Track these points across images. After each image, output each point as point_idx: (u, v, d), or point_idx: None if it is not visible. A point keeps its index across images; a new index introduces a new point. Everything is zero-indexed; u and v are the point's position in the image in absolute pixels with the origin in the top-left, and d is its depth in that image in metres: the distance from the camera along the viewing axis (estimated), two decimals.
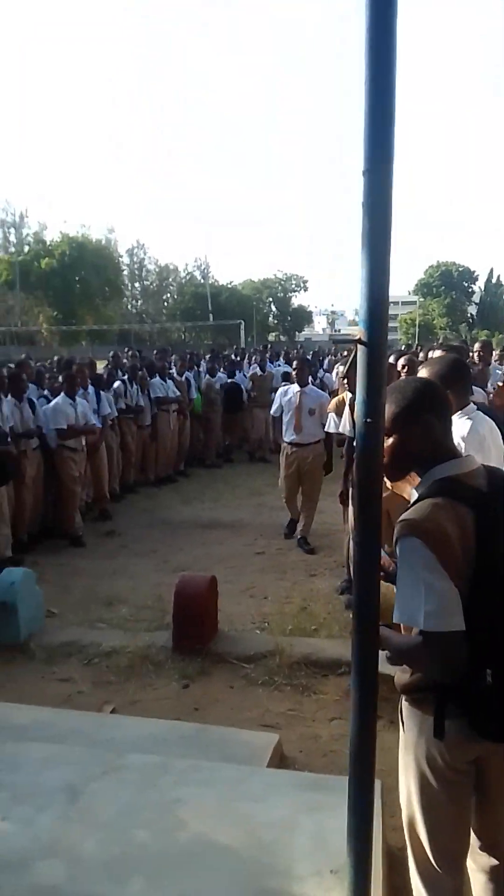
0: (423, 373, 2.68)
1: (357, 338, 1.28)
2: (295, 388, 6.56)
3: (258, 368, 11.81)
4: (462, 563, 1.50)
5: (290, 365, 11.18)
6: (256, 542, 6.80)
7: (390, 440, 1.59)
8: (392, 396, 1.59)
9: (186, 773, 2.53)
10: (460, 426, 2.69)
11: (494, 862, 1.81)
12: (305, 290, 61.43)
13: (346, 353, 13.40)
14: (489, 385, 5.12)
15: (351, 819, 1.55)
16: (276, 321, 57.91)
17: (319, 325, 72.11)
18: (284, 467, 6.66)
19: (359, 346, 1.29)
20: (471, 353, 6.38)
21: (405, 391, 1.64)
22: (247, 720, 3.47)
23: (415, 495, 1.63)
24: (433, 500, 1.53)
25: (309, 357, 12.72)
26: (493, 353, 6.26)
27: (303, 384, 6.56)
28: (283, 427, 6.62)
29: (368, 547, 1.40)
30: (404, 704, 1.76)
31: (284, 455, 6.65)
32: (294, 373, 6.87)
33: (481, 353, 6.40)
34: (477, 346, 6.70)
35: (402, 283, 58.56)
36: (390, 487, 2.12)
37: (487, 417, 2.89)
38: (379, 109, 1.27)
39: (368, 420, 1.31)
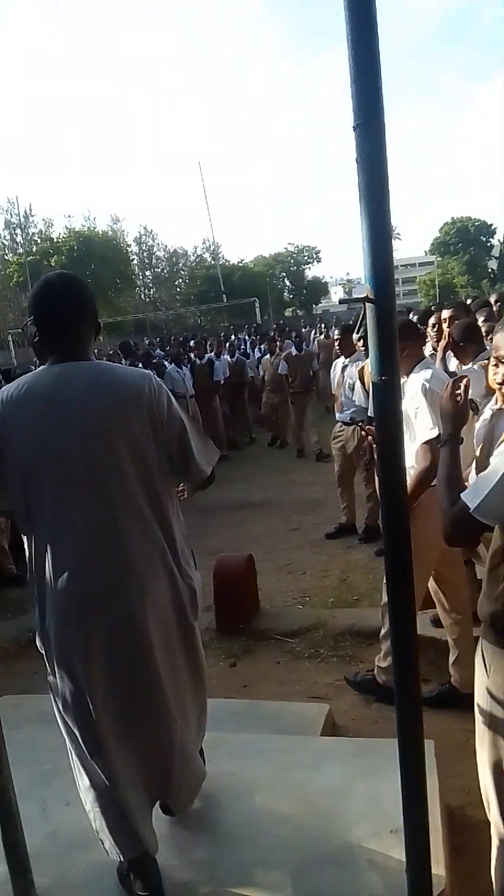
0: None
1: (365, 296, 1.26)
2: (341, 361, 5.98)
3: (293, 348, 10.42)
4: None
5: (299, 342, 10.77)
6: (290, 518, 6.81)
7: None
8: None
9: (240, 746, 2.57)
10: (420, 376, 3.08)
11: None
12: (319, 262, 60.41)
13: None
14: None
15: (403, 777, 1.56)
16: (291, 296, 57.40)
17: (336, 296, 71.34)
18: (335, 452, 6.05)
19: (367, 304, 1.27)
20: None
21: None
22: (295, 693, 3.51)
23: None
24: None
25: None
26: None
27: (348, 355, 5.86)
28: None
29: (397, 508, 1.39)
30: (487, 644, 1.74)
31: (333, 437, 6.10)
32: (336, 344, 6.14)
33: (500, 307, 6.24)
34: (493, 298, 6.55)
35: (419, 245, 57.38)
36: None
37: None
38: (363, 58, 1.24)
39: (384, 377, 1.29)
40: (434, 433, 2.83)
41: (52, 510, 1.77)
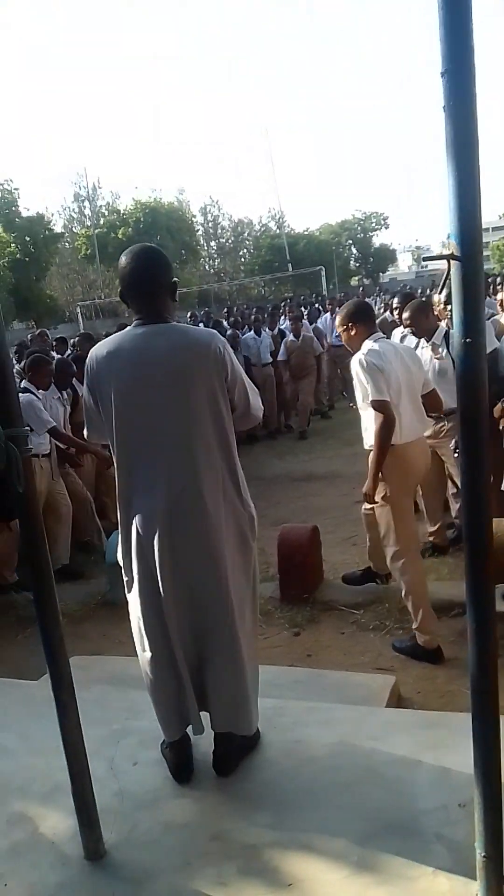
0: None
1: (450, 252, 1.19)
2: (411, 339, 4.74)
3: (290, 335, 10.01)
4: None
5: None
6: (354, 491, 6.71)
7: None
8: None
9: (305, 714, 2.57)
10: (360, 351, 3.47)
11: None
12: (387, 228, 58.97)
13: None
14: None
15: (476, 752, 1.52)
16: (357, 264, 56.19)
17: (405, 263, 69.54)
18: None
19: (452, 262, 1.21)
20: None
21: None
22: (360, 664, 3.49)
23: None
24: None
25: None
26: None
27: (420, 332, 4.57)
28: None
29: (477, 476, 1.33)
30: None
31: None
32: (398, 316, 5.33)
33: None
34: None
35: (493, 208, 54.75)
36: None
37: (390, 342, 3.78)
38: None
39: (468, 340, 1.23)
40: (377, 397, 3.29)
41: (141, 445, 2.14)
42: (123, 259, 2.17)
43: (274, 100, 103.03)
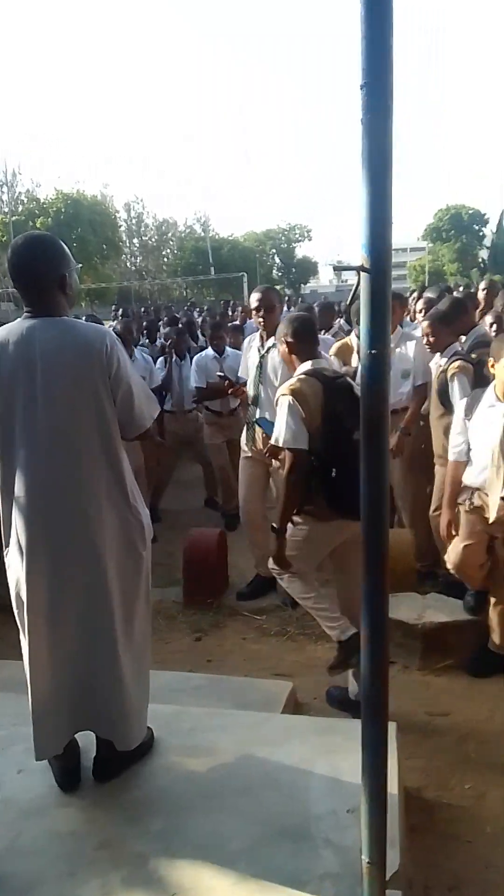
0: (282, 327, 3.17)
1: (360, 265, 1.20)
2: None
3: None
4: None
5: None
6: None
7: None
8: None
9: (202, 719, 2.55)
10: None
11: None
12: (310, 241, 59.82)
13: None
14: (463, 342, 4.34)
15: (365, 757, 1.54)
16: (280, 273, 56.92)
17: (326, 277, 71.00)
18: None
19: (362, 273, 1.22)
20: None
21: None
22: (260, 670, 3.50)
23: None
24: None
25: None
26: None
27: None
28: None
29: (375, 480, 1.35)
30: None
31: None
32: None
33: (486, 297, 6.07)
34: (482, 286, 6.48)
35: (411, 230, 56.60)
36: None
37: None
38: (376, 14, 1.18)
39: (373, 351, 1.25)
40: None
41: (21, 443, 2.02)
42: (9, 250, 2.07)
43: (206, 102, 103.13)
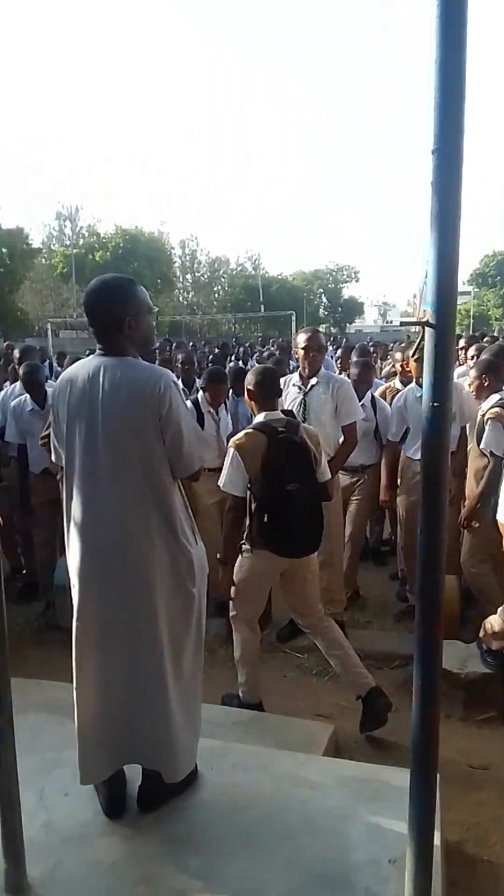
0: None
1: (425, 319, 1.25)
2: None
3: None
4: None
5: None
6: None
7: None
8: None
9: (244, 757, 2.55)
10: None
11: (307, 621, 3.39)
12: (357, 282, 60.30)
13: (392, 344, 12.70)
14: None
15: (413, 810, 1.54)
16: (326, 313, 57.37)
17: (371, 317, 71.26)
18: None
19: (426, 328, 1.27)
20: None
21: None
22: (300, 710, 3.48)
23: None
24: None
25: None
26: None
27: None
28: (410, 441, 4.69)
29: (434, 536, 1.38)
30: None
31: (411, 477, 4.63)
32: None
33: None
34: None
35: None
36: None
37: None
38: (450, 82, 1.25)
39: (436, 404, 1.29)
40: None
41: (81, 476, 2.14)
42: (84, 293, 2.23)
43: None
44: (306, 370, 4.24)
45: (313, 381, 4.18)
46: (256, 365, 9.03)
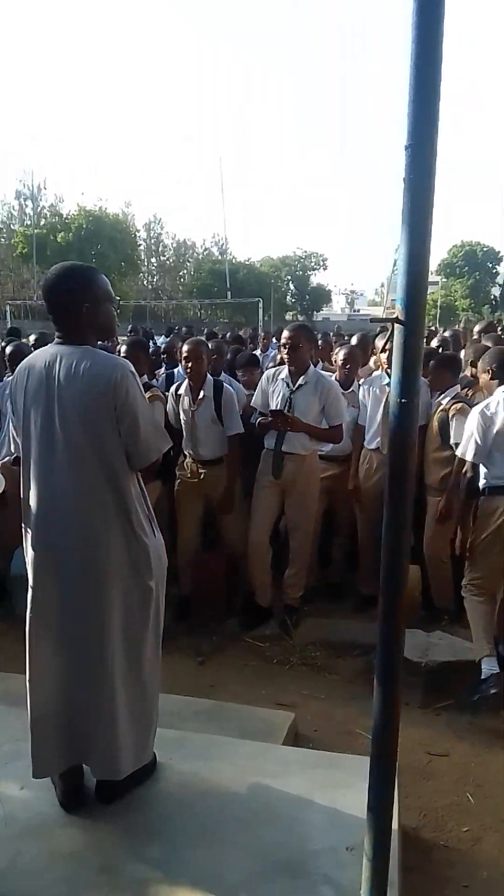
0: None
1: (395, 316, 1.25)
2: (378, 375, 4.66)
3: None
4: None
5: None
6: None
7: None
8: None
9: (204, 747, 2.55)
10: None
11: None
12: (325, 269, 59.97)
13: (346, 337, 12.67)
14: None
15: (372, 797, 1.56)
16: (294, 300, 57.26)
17: (338, 305, 71.39)
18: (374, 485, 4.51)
19: (396, 325, 1.27)
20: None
21: None
22: (262, 698, 3.50)
23: None
24: None
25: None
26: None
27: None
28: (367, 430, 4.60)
29: (398, 529, 1.39)
30: None
31: (369, 466, 4.56)
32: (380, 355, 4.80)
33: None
34: (476, 328, 6.67)
35: None
36: None
37: None
38: (425, 81, 1.24)
39: (403, 400, 1.29)
40: None
41: (36, 463, 2.13)
42: (43, 280, 2.20)
43: (230, 128, 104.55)
44: (293, 367, 4.14)
45: (301, 380, 4.10)
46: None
